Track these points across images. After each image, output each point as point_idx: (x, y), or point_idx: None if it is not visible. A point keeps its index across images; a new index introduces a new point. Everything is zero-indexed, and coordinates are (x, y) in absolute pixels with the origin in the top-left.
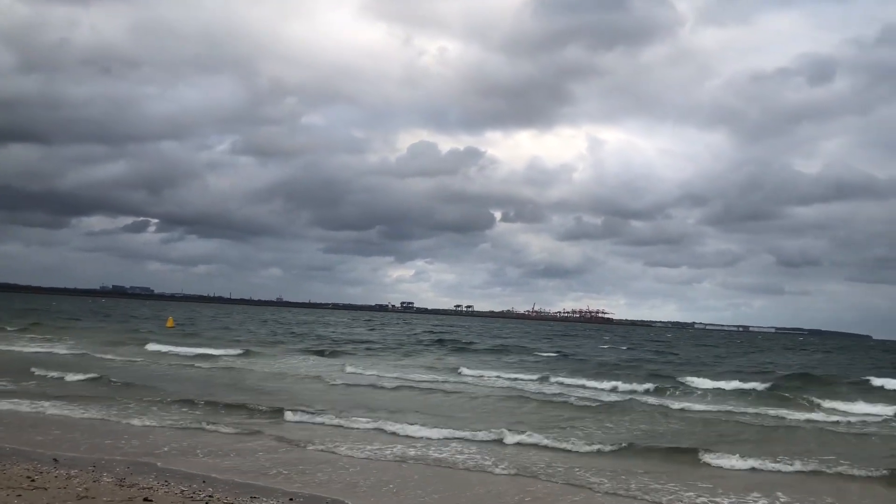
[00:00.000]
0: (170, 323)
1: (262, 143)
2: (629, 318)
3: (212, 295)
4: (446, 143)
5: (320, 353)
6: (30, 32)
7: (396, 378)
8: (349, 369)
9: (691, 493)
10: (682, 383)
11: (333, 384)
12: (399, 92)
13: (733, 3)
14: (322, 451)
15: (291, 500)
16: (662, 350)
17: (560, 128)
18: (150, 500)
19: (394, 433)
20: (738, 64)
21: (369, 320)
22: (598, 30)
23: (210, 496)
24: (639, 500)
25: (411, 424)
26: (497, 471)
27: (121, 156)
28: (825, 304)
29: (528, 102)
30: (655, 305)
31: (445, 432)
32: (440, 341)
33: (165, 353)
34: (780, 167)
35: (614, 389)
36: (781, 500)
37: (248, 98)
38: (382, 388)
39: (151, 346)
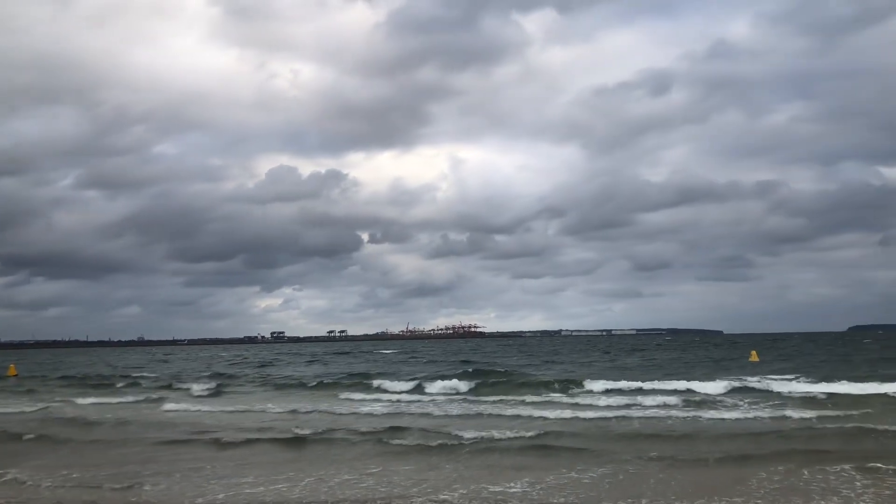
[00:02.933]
0: (11, 371)
1: (109, 175)
2: (500, 331)
3: (67, 339)
4: (307, 167)
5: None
6: None
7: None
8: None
9: None
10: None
11: None
12: (254, 116)
13: (577, 23)
14: None
15: None
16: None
17: (421, 148)
18: None
19: None
20: (584, 80)
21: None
22: (451, 50)
23: None
24: None
25: None
26: None
27: None
28: (679, 303)
29: (387, 123)
30: (524, 316)
31: None
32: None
33: None
34: (629, 177)
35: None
36: None
37: (91, 129)
38: None
39: None
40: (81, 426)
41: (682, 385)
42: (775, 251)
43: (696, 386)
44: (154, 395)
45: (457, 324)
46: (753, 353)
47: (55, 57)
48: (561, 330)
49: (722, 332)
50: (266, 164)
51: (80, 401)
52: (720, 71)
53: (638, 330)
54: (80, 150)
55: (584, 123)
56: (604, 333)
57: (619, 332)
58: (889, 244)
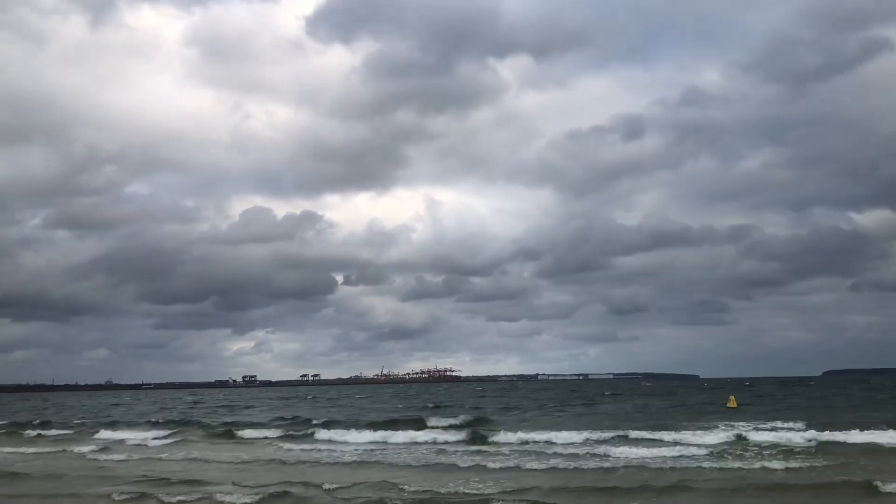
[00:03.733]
0: None
1: (79, 214)
2: (476, 374)
3: (31, 383)
4: (282, 208)
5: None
6: None
7: None
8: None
9: None
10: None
11: None
12: (229, 157)
13: (551, 69)
14: None
15: None
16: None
17: (397, 189)
18: None
19: None
20: (558, 124)
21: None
22: (427, 94)
23: None
24: None
25: None
26: None
27: None
28: (655, 347)
29: (364, 165)
30: (500, 359)
31: None
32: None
33: None
34: (603, 220)
35: None
36: None
37: (62, 168)
38: None
39: None
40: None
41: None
42: (750, 295)
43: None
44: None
45: (432, 367)
46: (732, 398)
47: (28, 95)
48: (538, 374)
49: (698, 376)
50: (240, 206)
51: None
52: (692, 117)
53: (615, 374)
54: (51, 190)
55: (559, 167)
56: (580, 377)
57: (595, 377)
58: (860, 290)
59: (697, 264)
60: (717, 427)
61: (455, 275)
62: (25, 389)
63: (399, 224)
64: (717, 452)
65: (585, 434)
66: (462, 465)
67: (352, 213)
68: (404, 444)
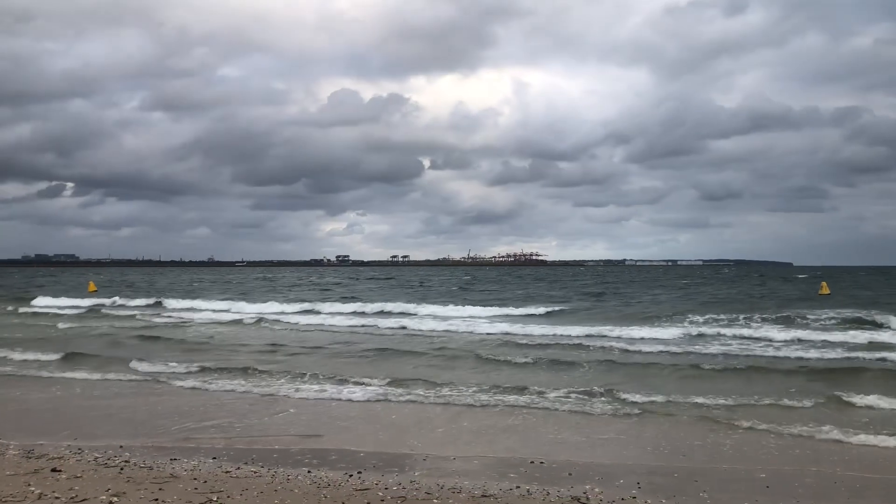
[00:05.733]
0: (91, 287)
1: (173, 97)
2: (562, 259)
3: (141, 258)
4: (369, 91)
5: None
6: None
7: None
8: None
9: None
10: None
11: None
12: (316, 38)
13: None
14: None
15: (215, 458)
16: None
17: (484, 71)
18: (59, 471)
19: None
20: (655, 0)
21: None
22: None
23: (126, 461)
24: None
25: None
26: None
27: (24, 117)
28: (748, 234)
29: (450, 46)
30: (586, 245)
31: None
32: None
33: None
34: (699, 102)
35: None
36: None
37: (154, 50)
38: None
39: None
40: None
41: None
42: (852, 181)
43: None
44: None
45: (518, 252)
46: (824, 284)
47: None
48: (625, 259)
49: (792, 264)
50: (329, 88)
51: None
52: None
53: (704, 261)
54: (145, 72)
55: (654, 46)
56: (668, 264)
57: (684, 263)
58: None
59: (797, 148)
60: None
61: (542, 159)
62: (135, 264)
63: (485, 107)
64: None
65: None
66: None
67: (437, 95)
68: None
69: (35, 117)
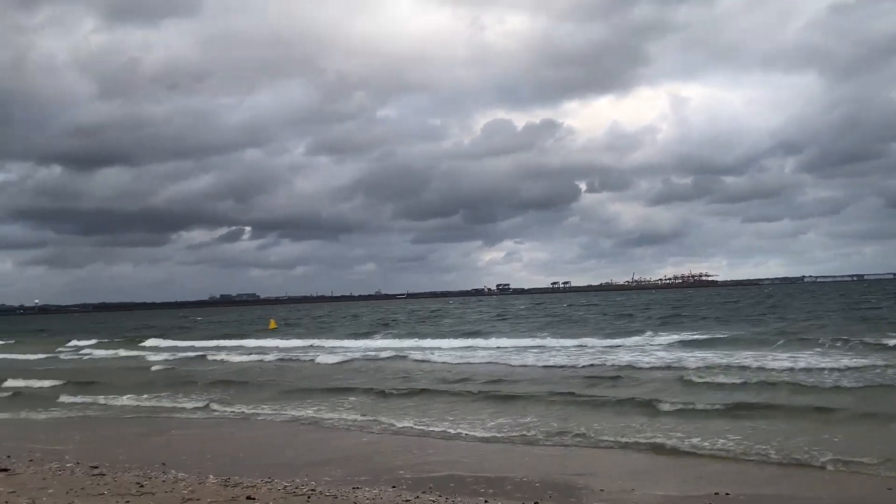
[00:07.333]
0: (272, 325)
1: (336, 140)
2: (734, 279)
3: (314, 295)
4: (521, 119)
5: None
6: (105, 59)
7: None
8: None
9: None
10: None
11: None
12: (468, 73)
13: None
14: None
15: (394, 486)
16: None
17: (639, 90)
18: (253, 499)
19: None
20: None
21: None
22: None
23: (313, 490)
24: None
25: None
26: None
27: (205, 168)
28: None
29: (602, 68)
30: (759, 262)
31: None
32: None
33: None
34: (878, 102)
35: None
36: None
37: (317, 97)
38: None
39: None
40: None
41: None
42: None
43: None
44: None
45: (686, 273)
46: None
47: (286, 32)
48: (803, 276)
49: None
50: (482, 119)
51: None
52: None
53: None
54: (310, 119)
55: (822, 47)
56: (853, 278)
57: (872, 277)
58: None
59: None
60: None
61: (705, 175)
62: (310, 300)
63: (642, 126)
64: None
65: None
66: None
67: (591, 118)
68: None
69: (215, 168)
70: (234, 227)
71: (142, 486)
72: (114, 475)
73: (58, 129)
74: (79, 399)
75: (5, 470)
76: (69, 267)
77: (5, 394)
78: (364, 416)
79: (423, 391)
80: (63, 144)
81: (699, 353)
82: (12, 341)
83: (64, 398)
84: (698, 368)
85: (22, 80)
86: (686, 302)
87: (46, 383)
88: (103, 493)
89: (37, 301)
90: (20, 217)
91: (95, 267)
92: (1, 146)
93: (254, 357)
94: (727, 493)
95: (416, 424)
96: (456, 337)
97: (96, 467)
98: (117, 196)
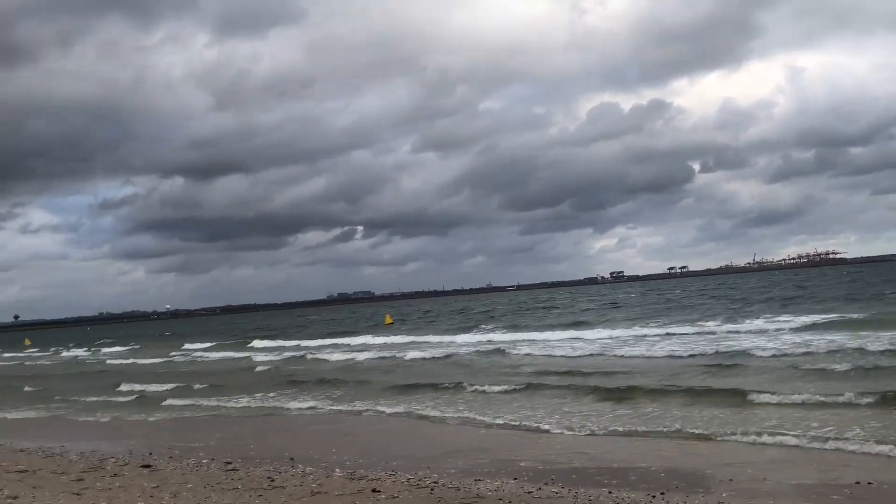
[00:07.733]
0: (388, 320)
1: (440, 136)
2: (864, 256)
3: (427, 290)
4: (628, 101)
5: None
6: (217, 72)
7: None
8: None
9: None
10: None
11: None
12: (570, 58)
13: None
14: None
15: (516, 479)
16: None
17: (751, 63)
18: (378, 491)
19: None
20: None
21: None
22: None
23: (435, 482)
24: None
25: None
26: None
27: (316, 172)
28: None
29: (710, 42)
30: (893, 237)
31: None
32: None
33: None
34: None
35: None
36: None
37: (420, 94)
38: None
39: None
40: None
41: None
42: None
43: None
44: None
45: (811, 251)
46: None
47: (387, 33)
48: None
49: None
50: (587, 104)
51: None
52: None
53: None
54: (414, 117)
55: None
56: None
57: None
58: None
59: None
60: None
61: (828, 147)
62: (422, 295)
63: (756, 100)
64: None
65: None
66: None
67: (701, 95)
68: None
69: (326, 171)
70: (346, 228)
71: (272, 480)
72: (246, 470)
73: (178, 142)
74: (198, 402)
75: (148, 466)
76: (196, 273)
77: (131, 397)
78: (472, 411)
79: (529, 385)
80: (183, 156)
81: (828, 336)
82: (137, 346)
83: (178, 401)
84: (828, 353)
85: (143, 98)
86: (811, 282)
87: (167, 386)
88: (237, 488)
89: (168, 306)
90: (150, 228)
91: (220, 272)
92: (128, 162)
93: (354, 355)
94: (869, 483)
95: (526, 420)
96: (564, 328)
97: (229, 463)
98: (236, 203)
